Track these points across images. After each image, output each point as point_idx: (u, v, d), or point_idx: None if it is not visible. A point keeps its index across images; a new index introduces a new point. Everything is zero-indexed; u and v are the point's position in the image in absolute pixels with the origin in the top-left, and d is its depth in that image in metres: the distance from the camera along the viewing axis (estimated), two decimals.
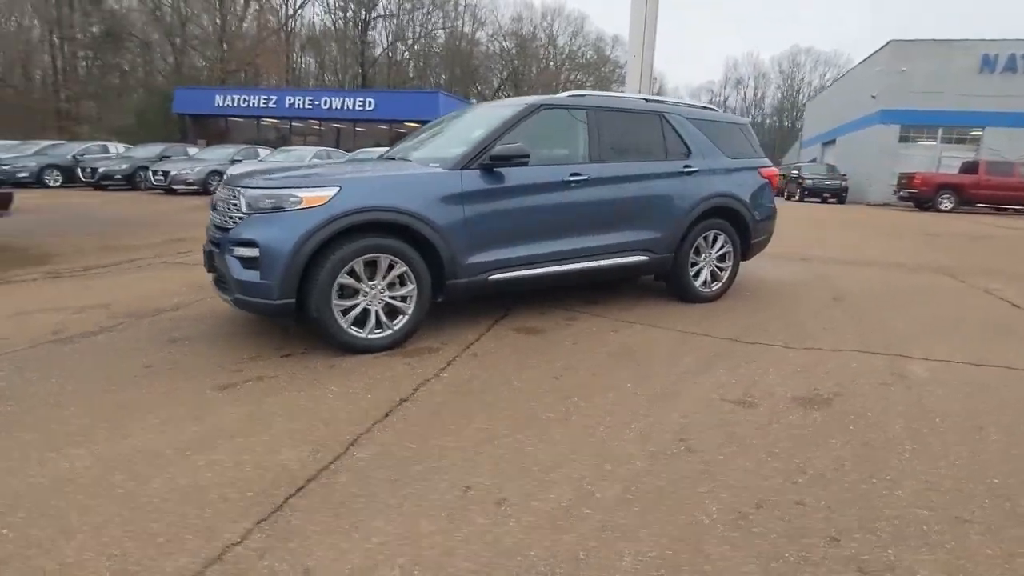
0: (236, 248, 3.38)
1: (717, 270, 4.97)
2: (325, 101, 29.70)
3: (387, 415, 2.74)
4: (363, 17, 52.04)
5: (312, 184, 3.41)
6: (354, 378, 3.18)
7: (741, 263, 5.35)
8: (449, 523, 1.96)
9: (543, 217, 4.02)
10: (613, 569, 1.75)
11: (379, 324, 3.55)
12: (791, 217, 16.29)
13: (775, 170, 5.28)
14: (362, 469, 2.28)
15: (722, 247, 4.93)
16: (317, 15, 65.91)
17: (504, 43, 65.09)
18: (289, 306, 3.31)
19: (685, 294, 4.84)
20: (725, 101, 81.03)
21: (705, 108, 5.21)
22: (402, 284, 3.60)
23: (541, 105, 4.15)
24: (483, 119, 4.23)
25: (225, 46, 41.44)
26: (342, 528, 1.92)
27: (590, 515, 2.01)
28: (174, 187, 16.19)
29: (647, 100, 4.78)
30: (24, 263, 6.15)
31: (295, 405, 2.84)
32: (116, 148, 19.95)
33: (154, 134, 30.57)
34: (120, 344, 3.68)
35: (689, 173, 4.64)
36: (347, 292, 3.46)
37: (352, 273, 3.42)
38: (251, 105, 30.19)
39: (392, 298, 3.58)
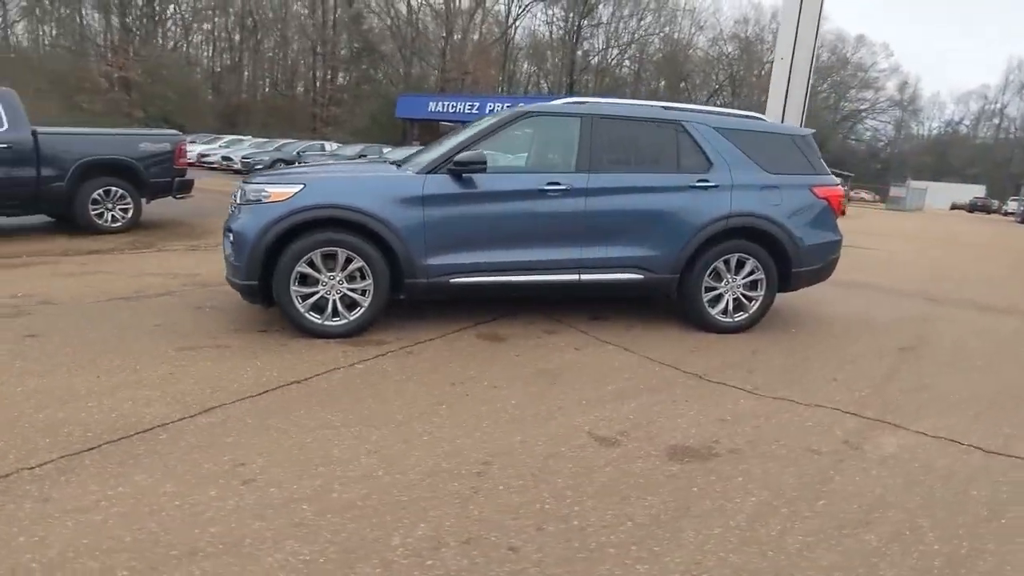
0: (228, 234, 3.94)
1: (744, 299, 4.39)
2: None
3: (264, 392, 3.02)
4: (577, 25, 53.51)
5: (280, 182, 3.83)
6: (287, 358, 3.51)
7: (793, 293, 4.67)
8: (188, 489, 2.17)
9: (512, 225, 3.96)
10: (254, 560, 1.81)
11: (336, 313, 3.85)
12: (993, 246, 13.29)
13: (837, 189, 4.46)
14: (187, 432, 2.59)
15: (751, 274, 4.34)
16: (537, 25, 69.00)
17: (725, 47, 62.06)
18: (252, 287, 3.76)
19: (698, 321, 4.37)
20: (1003, 109, 67.79)
21: (746, 117, 4.59)
22: (362, 278, 3.85)
23: (527, 113, 4.08)
24: (477, 125, 4.29)
25: (447, 55, 45.68)
26: (110, 474, 2.24)
27: (303, 511, 2.07)
28: None
29: (664, 108, 4.38)
30: (182, 237, 7.65)
31: (211, 372, 3.25)
32: (331, 146, 23.29)
33: (384, 135, 35.20)
34: (163, 306, 4.48)
35: (705, 188, 4.17)
36: (310, 281, 3.81)
37: (312, 264, 3.76)
38: (457, 110, 32.93)
39: (352, 290, 3.85)
